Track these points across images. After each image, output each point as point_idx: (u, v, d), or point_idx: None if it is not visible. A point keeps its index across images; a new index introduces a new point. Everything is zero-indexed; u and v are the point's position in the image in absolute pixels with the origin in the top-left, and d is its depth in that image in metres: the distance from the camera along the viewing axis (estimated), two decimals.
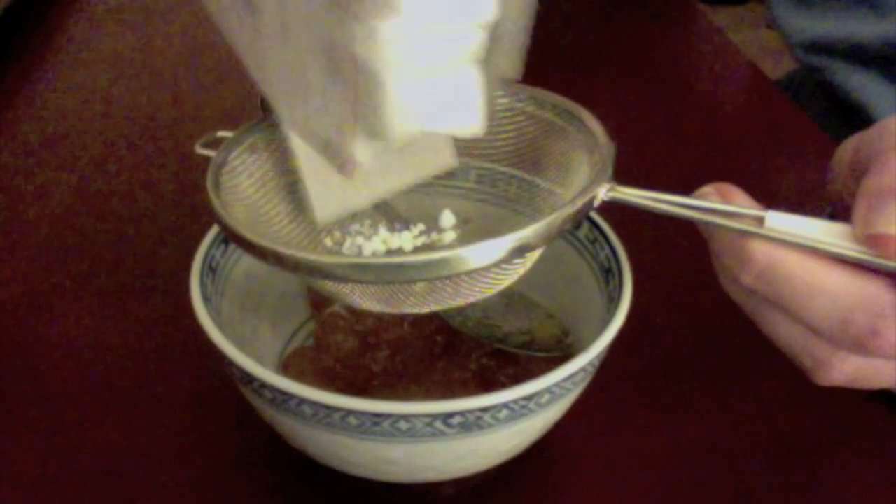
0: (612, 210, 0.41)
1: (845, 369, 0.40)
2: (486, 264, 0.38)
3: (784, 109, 0.75)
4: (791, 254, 0.38)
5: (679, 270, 0.56)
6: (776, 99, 0.77)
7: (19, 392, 0.51)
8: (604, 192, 0.40)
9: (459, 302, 0.42)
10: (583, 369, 0.41)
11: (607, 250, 0.46)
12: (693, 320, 0.55)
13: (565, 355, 0.45)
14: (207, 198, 0.41)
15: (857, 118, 0.74)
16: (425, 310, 0.42)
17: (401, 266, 0.38)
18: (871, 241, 0.38)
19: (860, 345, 0.38)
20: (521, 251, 0.38)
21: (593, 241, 0.47)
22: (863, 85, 0.73)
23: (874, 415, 0.49)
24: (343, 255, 0.42)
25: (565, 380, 0.40)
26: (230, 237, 0.40)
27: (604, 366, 0.43)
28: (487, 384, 0.46)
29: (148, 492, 0.46)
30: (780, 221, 0.39)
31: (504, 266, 0.41)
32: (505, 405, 0.39)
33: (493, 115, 0.47)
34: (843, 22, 0.73)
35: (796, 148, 0.72)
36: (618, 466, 0.47)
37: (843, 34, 0.73)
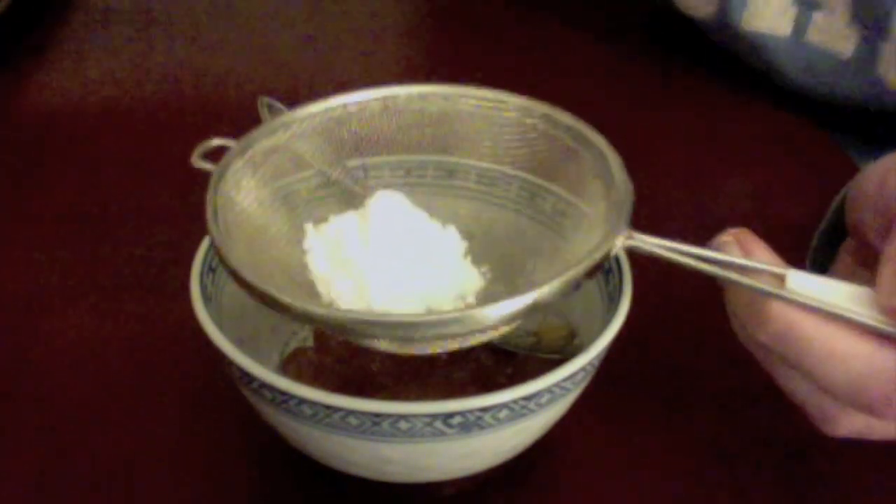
0: None
1: (853, 426, 0.40)
2: (499, 323, 0.38)
3: (784, 113, 0.75)
4: (809, 317, 0.38)
5: (679, 270, 0.56)
6: (778, 102, 0.77)
7: (19, 392, 0.51)
8: (621, 242, 0.39)
9: (469, 344, 0.41)
10: (583, 369, 0.41)
11: None
12: (693, 320, 0.55)
13: (566, 355, 0.45)
14: (210, 233, 0.40)
15: None
16: (431, 352, 0.41)
17: (414, 324, 0.38)
18: (895, 313, 0.37)
19: (871, 411, 0.38)
20: (536, 308, 0.37)
21: None
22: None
23: None
24: (354, 310, 0.41)
25: (565, 380, 0.40)
26: (236, 280, 0.39)
27: (604, 366, 0.43)
28: (486, 383, 0.46)
29: (147, 492, 0.46)
30: (801, 281, 0.38)
31: None
32: (505, 405, 0.39)
33: (500, 129, 0.46)
34: None
35: (797, 145, 0.72)
36: (618, 466, 0.47)
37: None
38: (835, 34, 0.68)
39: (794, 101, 0.74)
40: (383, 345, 0.41)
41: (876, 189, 0.42)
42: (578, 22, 0.85)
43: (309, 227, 0.44)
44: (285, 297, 0.38)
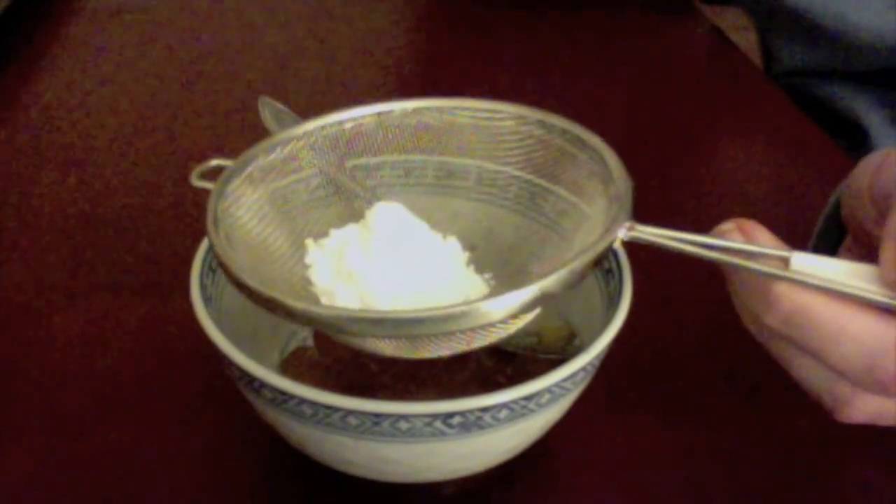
0: None
1: (867, 409, 0.40)
2: (506, 316, 0.37)
3: (785, 110, 0.75)
4: (817, 297, 0.37)
5: (679, 270, 0.56)
6: (777, 99, 0.77)
7: (19, 392, 0.51)
8: (623, 233, 0.40)
9: (475, 347, 0.41)
10: (583, 369, 0.41)
11: None
12: (693, 320, 0.55)
13: (566, 355, 0.45)
14: (213, 247, 0.40)
15: (842, 126, 0.74)
16: (438, 355, 0.41)
17: (420, 320, 0.37)
18: None
19: (885, 389, 0.38)
20: (542, 300, 0.38)
21: None
22: (850, 98, 0.73)
23: None
24: (358, 309, 0.41)
25: (565, 380, 0.40)
26: (239, 288, 0.39)
27: (604, 366, 0.43)
28: (486, 383, 0.46)
29: (147, 491, 0.46)
30: (806, 263, 0.38)
31: None
32: (505, 405, 0.39)
33: (497, 138, 0.46)
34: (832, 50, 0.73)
35: (797, 148, 0.72)
36: (618, 466, 0.47)
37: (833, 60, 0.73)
38: None
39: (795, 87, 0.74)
40: (389, 348, 0.41)
41: (870, 180, 0.42)
42: (571, 19, 0.85)
43: (310, 241, 0.45)
44: (289, 300, 0.38)
